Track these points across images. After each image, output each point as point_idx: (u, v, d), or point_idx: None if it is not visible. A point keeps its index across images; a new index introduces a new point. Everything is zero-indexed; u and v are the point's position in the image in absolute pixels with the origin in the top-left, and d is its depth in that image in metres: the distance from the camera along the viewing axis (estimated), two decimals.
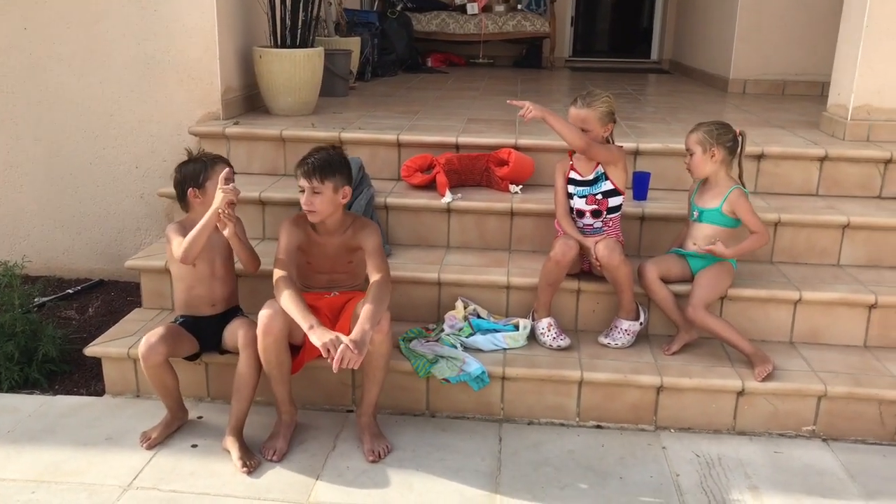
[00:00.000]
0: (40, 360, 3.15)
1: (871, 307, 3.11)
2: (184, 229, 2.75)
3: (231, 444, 2.65)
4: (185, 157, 2.89)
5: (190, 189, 2.79)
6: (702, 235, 3.05)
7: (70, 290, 4.02)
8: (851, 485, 2.58)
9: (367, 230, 2.81)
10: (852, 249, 3.41)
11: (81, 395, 3.10)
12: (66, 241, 4.26)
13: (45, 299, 3.81)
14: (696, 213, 3.08)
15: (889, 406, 2.83)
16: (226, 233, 2.69)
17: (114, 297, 3.97)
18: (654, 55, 9.08)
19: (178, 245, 2.70)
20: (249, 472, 2.56)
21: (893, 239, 3.40)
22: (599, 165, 3.09)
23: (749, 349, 2.92)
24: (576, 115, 3.03)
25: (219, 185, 2.66)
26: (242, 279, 3.01)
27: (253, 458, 2.62)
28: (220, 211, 2.63)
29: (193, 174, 2.80)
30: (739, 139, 3.03)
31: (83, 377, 3.21)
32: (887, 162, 3.66)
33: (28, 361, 3.15)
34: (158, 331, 2.68)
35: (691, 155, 3.02)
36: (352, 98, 5.22)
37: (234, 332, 2.72)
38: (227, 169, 2.74)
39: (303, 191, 2.71)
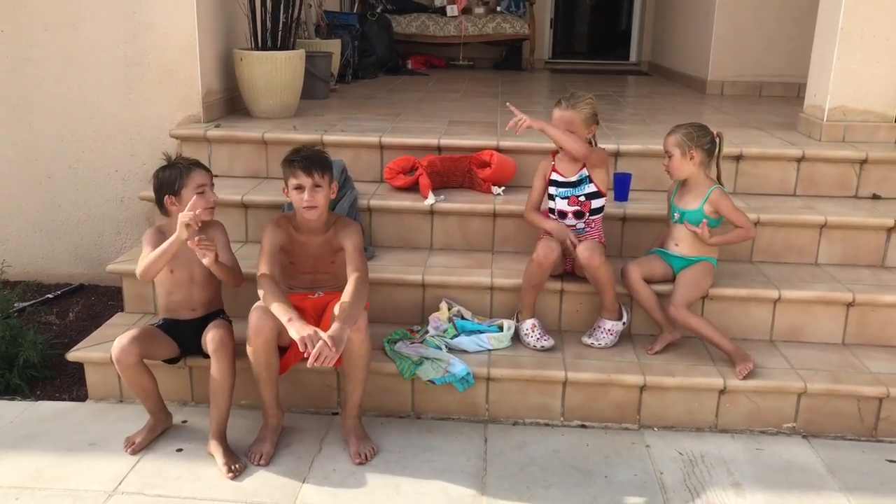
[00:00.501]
0: (21, 365, 3.12)
1: (849, 305, 3.16)
2: (161, 235, 2.76)
3: (215, 448, 2.64)
4: (164, 162, 2.88)
5: (166, 196, 2.78)
6: (683, 236, 3.08)
7: (50, 295, 3.98)
8: (831, 480, 2.62)
9: (349, 229, 2.82)
10: (830, 248, 3.47)
11: (64, 400, 3.08)
12: (46, 245, 4.22)
13: (24, 304, 3.77)
14: (676, 215, 3.11)
15: (867, 402, 2.88)
16: (205, 262, 2.64)
17: (94, 302, 3.95)
18: (633, 57, 9.15)
19: (141, 260, 2.70)
20: (235, 477, 2.55)
21: (870, 238, 3.45)
22: (584, 168, 3.12)
23: (730, 348, 2.96)
24: (560, 117, 3.05)
25: (182, 214, 2.60)
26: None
27: (238, 462, 2.61)
28: (184, 239, 2.59)
29: (169, 181, 2.77)
30: (717, 140, 3.07)
31: (65, 382, 3.19)
32: (863, 162, 3.72)
33: (9, 367, 3.12)
34: (131, 332, 2.67)
35: (670, 157, 3.05)
36: (333, 100, 5.21)
37: None
38: (193, 199, 2.67)
39: (299, 188, 2.70)
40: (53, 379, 3.21)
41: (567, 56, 9.93)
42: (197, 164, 2.82)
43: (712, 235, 3.01)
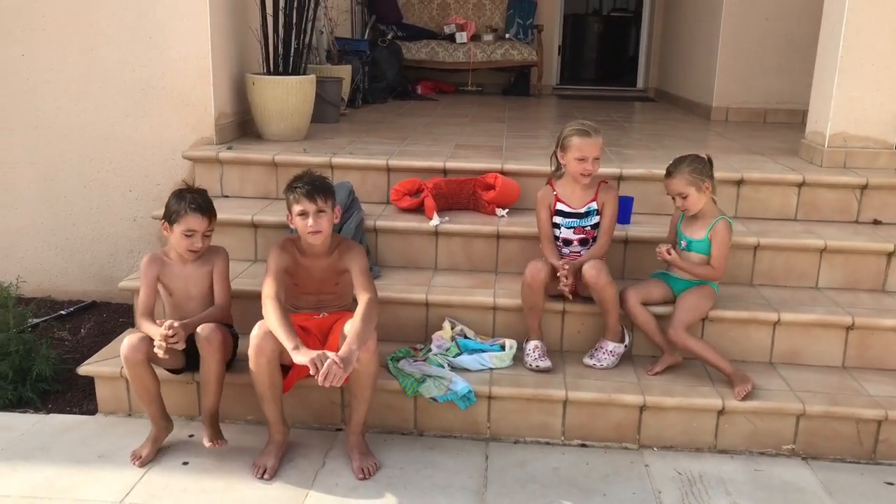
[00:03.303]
0: (34, 379, 3.19)
1: (849, 328, 3.19)
2: (154, 265, 2.89)
3: (203, 427, 2.84)
4: (182, 186, 2.99)
5: (163, 221, 2.88)
6: (689, 262, 3.13)
7: (63, 312, 4.06)
8: (829, 501, 2.65)
9: (353, 252, 2.87)
10: (830, 272, 3.51)
11: (74, 413, 3.14)
12: (60, 262, 4.31)
13: (38, 320, 3.85)
14: (683, 243, 3.15)
15: (866, 425, 2.90)
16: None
17: (106, 319, 4.02)
18: (640, 83, 9.25)
19: (137, 299, 2.89)
20: (214, 447, 2.79)
21: (870, 262, 3.49)
22: (594, 201, 3.17)
23: (729, 369, 2.99)
24: (595, 144, 3.08)
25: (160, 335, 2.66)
26: (235, 299, 3.06)
27: (222, 439, 2.83)
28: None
29: (169, 211, 2.86)
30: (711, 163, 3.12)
31: (76, 396, 3.26)
32: (863, 188, 3.77)
33: (22, 381, 3.19)
34: (141, 333, 2.77)
35: (684, 198, 3.04)
36: (343, 124, 5.31)
37: None
38: (164, 328, 2.67)
39: (303, 214, 2.76)
40: (65, 393, 3.28)
41: (575, 82, 10.04)
42: (199, 209, 2.83)
43: (683, 260, 3.06)
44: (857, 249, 3.49)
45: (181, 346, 2.70)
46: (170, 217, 2.85)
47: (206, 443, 2.80)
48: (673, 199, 3.11)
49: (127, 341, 2.72)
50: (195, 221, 2.81)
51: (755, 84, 6.19)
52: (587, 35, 11.22)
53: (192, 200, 2.84)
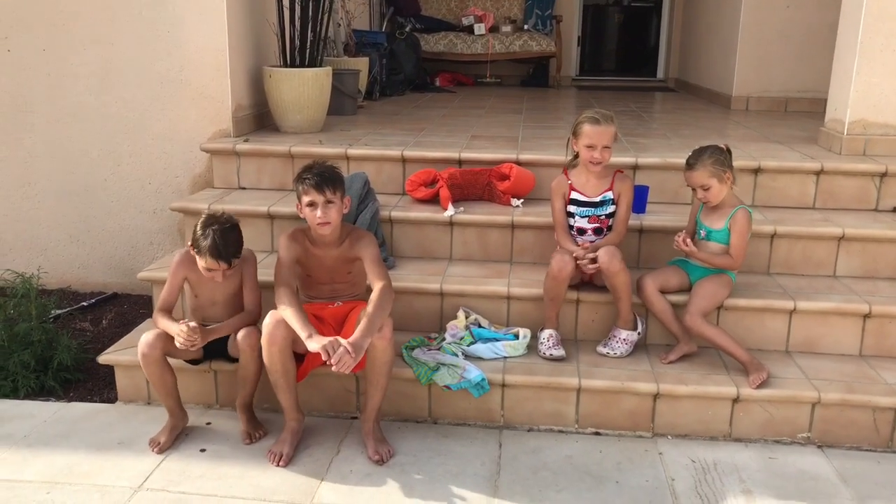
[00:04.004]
0: (55, 368, 3.26)
1: (866, 316, 3.16)
2: (188, 265, 2.89)
3: (240, 417, 2.92)
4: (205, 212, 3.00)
5: (189, 243, 2.86)
6: (708, 252, 3.11)
7: (84, 303, 4.13)
8: (844, 489, 2.63)
9: (364, 241, 2.88)
10: (848, 261, 3.47)
11: (95, 402, 3.20)
12: (82, 255, 4.39)
13: (60, 311, 3.92)
14: (703, 233, 3.13)
15: (883, 413, 2.88)
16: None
17: (126, 310, 4.08)
18: (660, 73, 9.18)
19: (159, 292, 2.93)
20: (251, 443, 2.84)
21: (889, 250, 3.46)
22: (609, 190, 3.17)
23: (744, 357, 2.98)
24: (606, 133, 3.06)
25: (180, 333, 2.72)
26: None
27: (260, 429, 2.91)
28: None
29: (193, 240, 2.81)
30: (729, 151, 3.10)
31: (96, 385, 3.32)
32: (883, 175, 3.73)
33: (44, 370, 3.26)
34: (157, 329, 2.81)
35: (706, 189, 3.02)
36: (360, 116, 5.34)
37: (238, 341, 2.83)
38: (183, 331, 2.72)
39: (312, 205, 2.78)
40: (86, 382, 3.34)
41: (594, 73, 9.98)
42: (217, 253, 2.75)
43: (701, 251, 3.05)
44: (875, 237, 3.45)
45: (197, 351, 2.77)
46: (197, 247, 2.81)
47: (244, 440, 2.85)
48: (693, 190, 3.10)
49: (143, 339, 2.77)
50: (213, 263, 2.78)
51: (776, 73, 6.13)
52: (607, 25, 11.13)
53: (212, 242, 2.74)
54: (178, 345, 2.73)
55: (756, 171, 3.78)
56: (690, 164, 3.06)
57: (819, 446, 2.91)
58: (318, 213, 2.76)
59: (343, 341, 2.53)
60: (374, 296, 2.71)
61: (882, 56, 3.91)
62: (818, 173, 3.77)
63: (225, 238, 2.77)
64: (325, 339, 2.54)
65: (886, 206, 3.76)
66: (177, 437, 2.88)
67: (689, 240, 3.03)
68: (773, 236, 3.46)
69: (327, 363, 2.51)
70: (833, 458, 2.83)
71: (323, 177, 2.78)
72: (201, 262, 2.80)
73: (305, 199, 2.79)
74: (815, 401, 2.87)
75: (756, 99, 6.20)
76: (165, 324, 2.80)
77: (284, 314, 2.67)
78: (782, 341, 3.22)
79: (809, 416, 2.91)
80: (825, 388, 2.90)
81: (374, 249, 2.85)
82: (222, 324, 2.87)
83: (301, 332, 2.61)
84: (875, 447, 2.91)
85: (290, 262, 2.85)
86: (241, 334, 2.79)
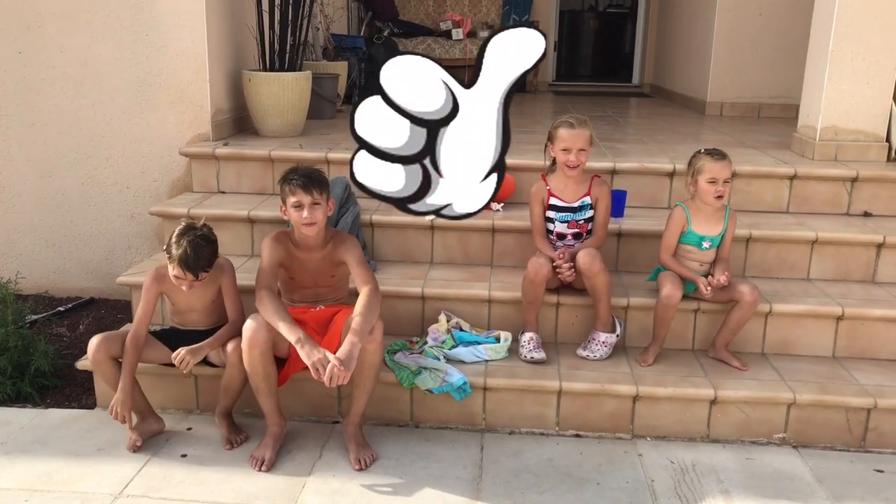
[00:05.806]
0: (32, 374, 3.22)
1: (839, 319, 3.23)
2: (157, 283, 2.88)
3: (219, 423, 2.92)
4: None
5: (165, 248, 2.85)
6: (720, 268, 3.13)
7: (61, 308, 4.09)
8: (819, 488, 2.68)
9: (348, 243, 2.89)
10: (821, 264, 3.54)
11: (73, 408, 3.17)
12: (58, 259, 4.34)
13: (36, 316, 3.87)
14: (706, 244, 3.13)
15: (855, 413, 2.94)
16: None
17: (104, 315, 4.04)
18: (636, 79, 9.28)
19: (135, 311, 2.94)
20: (231, 449, 2.84)
21: (860, 253, 3.53)
22: (587, 196, 3.21)
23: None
24: (580, 136, 3.11)
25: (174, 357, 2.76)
26: None
27: (239, 435, 2.90)
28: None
29: (167, 248, 2.80)
30: None
31: (74, 391, 3.28)
32: (854, 180, 3.81)
33: (20, 376, 3.22)
34: (105, 333, 2.86)
35: (726, 182, 3.08)
36: (339, 120, 5.32)
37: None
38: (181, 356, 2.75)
39: (298, 206, 2.78)
40: (63, 388, 3.30)
41: (571, 78, 10.08)
42: (186, 263, 2.73)
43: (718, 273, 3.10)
44: (847, 241, 3.52)
45: (186, 365, 2.76)
46: (169, 253, 2.79)
47: (224, 445, 2.85)
48: (691, 193, 3.14)
49: (90, 342, 2.80)
50: (179, 272, 2.75)
51: (749, 79, 6.22)
52: (583, 31, 11.23)
53: (184, 252, 2.73)
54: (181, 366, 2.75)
55: (732, 176, 3.82)
56: (722, 155, 3.09)
57: (794, 446, 2.96)
58: (305, 213, 2.76)
59: (332, 357, 2.52)
60: (361, 300, 2.71)
61: (853, 63, 3.99)
62: (792, 178, 3.84)
63: (197, 251, 2.74)
64: (316, 353, 2.53)
65: (857, 211, 3.84)
66: (156, 441, 2.88)
67: (717, 279, 3.04)
68: (748, 240, 3.52)
69: (319, 380, 2.51)
70: (808, 458, 2.89)
71: (310, 178, 2.79)
72: (170, 268, 2.79)
73: (292, 199, 2.79)
74: (791, 402, 2.93)
75: (730, 105, 6.29)
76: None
77: (269, 319, 2.66)
78: (758, 343, 3.27)
79: (785, 416, 2.96)
80: (800, 389, 2.96)
81: (358, 252, 2.86)
82: (211, 339, 2.83)
83: (289, 336, 2.60)
84: (848, 447, 2.97)
85: (274, 265, 2.84)
86: (230, 346, 2.78)
